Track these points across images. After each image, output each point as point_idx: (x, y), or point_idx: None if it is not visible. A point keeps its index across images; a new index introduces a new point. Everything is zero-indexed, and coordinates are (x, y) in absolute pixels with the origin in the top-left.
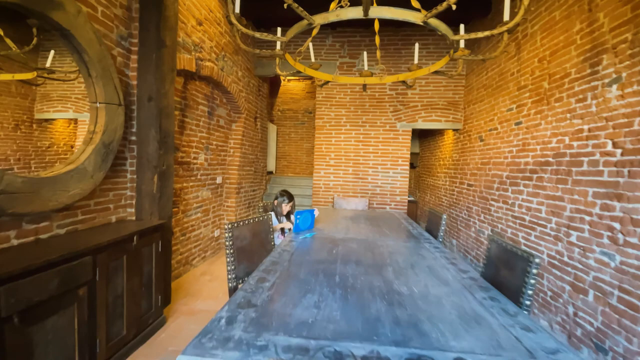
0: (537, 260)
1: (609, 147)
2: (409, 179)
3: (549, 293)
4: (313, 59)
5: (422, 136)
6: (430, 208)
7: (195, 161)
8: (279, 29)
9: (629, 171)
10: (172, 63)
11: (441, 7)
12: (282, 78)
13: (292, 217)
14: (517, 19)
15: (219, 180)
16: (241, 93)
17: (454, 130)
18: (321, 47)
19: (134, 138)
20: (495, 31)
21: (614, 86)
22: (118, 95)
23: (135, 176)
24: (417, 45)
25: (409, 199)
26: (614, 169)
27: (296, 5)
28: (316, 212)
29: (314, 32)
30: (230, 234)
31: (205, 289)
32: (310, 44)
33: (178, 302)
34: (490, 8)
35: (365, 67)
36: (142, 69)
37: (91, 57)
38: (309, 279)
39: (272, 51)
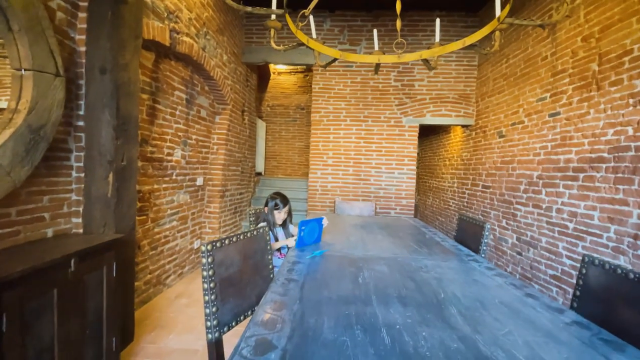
0: None
1: None
2: (415, 179)
3: None
4: (314, 35)
5: (422, 135)
6: (462, 214)
7: (169, 158)
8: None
9: None
10: (136, 27)
11: None
12: (272, 70)
13: (291, 226)
14: None
15: (199, 181)
16: (226, 80)
17: (463, 126)
18: (318, 31)
19: (81, 123)
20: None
21: None
22: (55, 61)
23: (82, 175)
24: (438, 21)
25: None
26: None
27: None
28: (325, 222)
29: (312, 5)
30: (209, 259)
31: (181, 318)
32: (312, 16)
33: (144, 339)
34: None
35: (376, 47)
36: (93, 31)
37: (10, 2)
38: (341, 339)
39: (268, 9)
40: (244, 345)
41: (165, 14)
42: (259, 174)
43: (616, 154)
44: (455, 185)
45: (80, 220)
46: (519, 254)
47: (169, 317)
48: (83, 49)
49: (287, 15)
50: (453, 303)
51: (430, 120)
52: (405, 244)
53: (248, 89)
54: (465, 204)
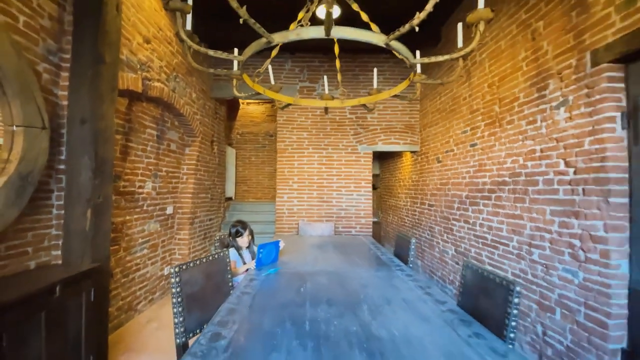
0: (517, 288)
1: (562, 167)
2: (372, 200)
3: None
4: (273, 82)
5: (381, 158)
6: (399, 232)
7: (140, 190)
8: (235, 50)
9: (583, 189)
10: (112, 82)
11: (404, 29)
12: (240, 101)
13: (254, 247)
14: (474, 44)
15: (169, 210)
16: (195, 115)
17: (412, 152)
18: (280, 71)
19: (62, 167)
20: (454, 55)
21: (562, 109)
22: (42, 116)
23: (62, 212)
24: (375, 70)
25: (373, 220)
26: (569, 187)
27: (253, 21)
28: (281, 244)
29: (273, 53)
30: (177, 279)
31: (151, 341)
32: (270, 66)
33: None
34: (440, 38)
35: (326, 91)
36: (75, 87)
37: (5, 71)
38: (274, 330)
39: (228, 71)
40: (201, 338)
41: (138, 66)
42: (230, 198)
43: (514, 178)
44: (409, 203)
45: (59, 252)
46: (457, 263)
47: (140, 341)
48: (65, 102)
49: (245, 75)
50: (367, 302)
51: (381, 147)
52: (350, 259)
53: (217, 120)
54: (416, 220)
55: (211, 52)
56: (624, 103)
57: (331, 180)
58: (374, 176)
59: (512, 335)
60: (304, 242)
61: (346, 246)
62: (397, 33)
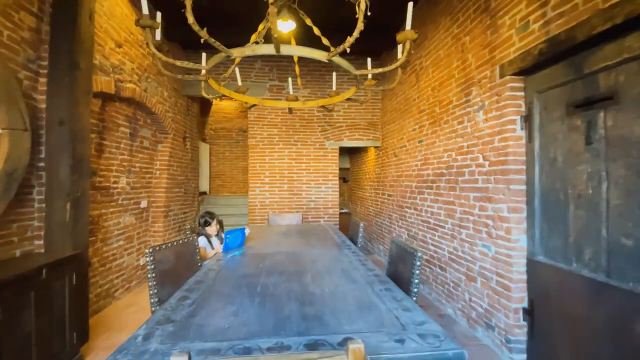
0: (419, 254)
1: (481, 160)
2: (343, 192)
3: (452, 284)
4: (240, 83)
5: (351, 153)
6: (353, 218)
7: (115, 185)
8: (203, 55)
9: (494, 178)
10: (87, 86)
11: (339, 49)
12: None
13: (223, 235)
14: (403, 59)
15: (143, 204)
16: (167, 113)
17: (375, 147)
18: (250, 70)
19: (42, 164)
20: (387, 68)
21: (480, 112)
22: (24, 120)
23: (44, 205)
24: (334, 75)
25: (343, 211)
26: (485, 177)
27: (213, 40)
28: (247, 231)
29: (237, 60)
30: (151, 258)
31: (130, 322)
32: (237, 68)
33: (99, 338)
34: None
35: (291, 92)
36: (53, 92)
37: None
38: (232, 292)
39: (195, 76)
40: (172, 299)
41: (111, 69)
42: (204, 193)
43: (449, 170)
44: (373, 194)
45: (41, 242)
46: None
47: (120, 322)
48: (43, 106)
49: (210, 80)
50: (311, 271)
51: (347, 143)
52: (309, 242)
53: (189, 117)
54: (379, 209)
55: (178, 63)
56: (523, 108)
57: (301, 174)
58: (346, 170)
59: (415, 290)
60: (271, 231)
61: (309, 232)
62: (334, 52)
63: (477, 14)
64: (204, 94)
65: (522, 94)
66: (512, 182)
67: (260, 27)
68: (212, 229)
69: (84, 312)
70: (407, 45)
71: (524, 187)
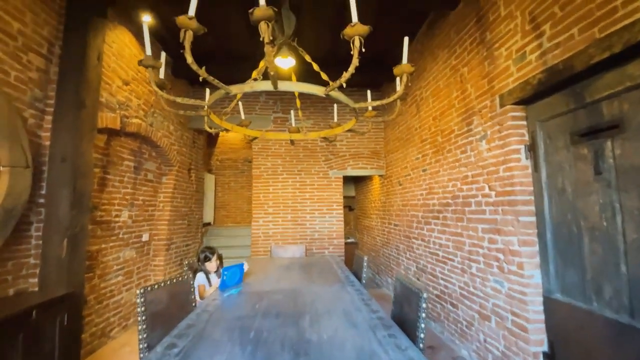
0: (424, 295)
1: (487, 190)
2: (349, 221)
3: (464, 322)
4: (243, 116)
5: (356, 181)
6: (357, 252)
7: (117, 219)
8: (207, 90)
9: (501, 209)
10: (92, 123)
11: (336, 84)
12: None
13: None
14: (400, 91)
15: (145, 237)
16: (173, 146)
17: (379, 175)
18: (255, 103)
19: (42, 200)
20: (385, 101)
21: (483, 141)
22: (26, 156)
23: (40, 242)
24: (335, 106)
25: (349, 240)
26: (492, 207)
27: (212, 78)
28: (246, 266)
29: (238, 96)
30: (142, 300)
31: None
32: (240, 102)
33: None
34: None
35: (293, 124)
36: (57, 130)
37: None
38: (222, 338)
39: (197, 112)
40: (158, 347)
41: (117, 106)
42: (208, 224)
43: (454, 200)
44: (379, 224)
45: (36, 280)
46: (418, 279)
47: None
48: (47, 143)
49: (212, 115)
50: (310, 313)
51: (351, 172)
52: (310, 278)
53: (195, 149)
54: (386, 239)
55: (179, 100)
56: (526, 137)
57: (305, 204)
58: (351, 198)
59: (421, 335)
60: (273, 264)
61: (312, 266)
62: (331, 87)
63: (473, 46)
64: (207, 128)
65: (524, 123)
66: (520, 213)
67: (261, 64)
68: (211, 265)
69: (76, 355)
70: (404, 79)
71: (533, 219)
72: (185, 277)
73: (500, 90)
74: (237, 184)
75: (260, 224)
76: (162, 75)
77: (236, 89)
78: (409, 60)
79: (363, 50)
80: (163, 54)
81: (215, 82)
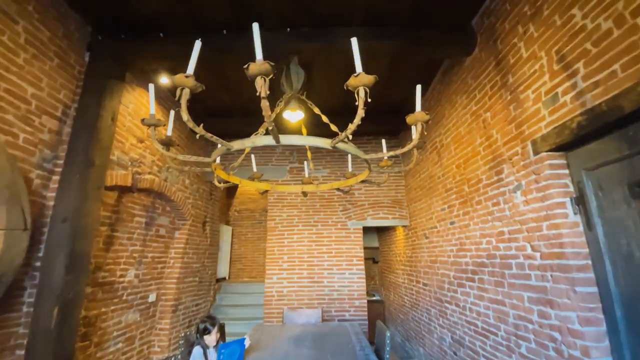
0: None
1: (529, 251)
2: (374, 275)
3: None
4: (255, 169)
5: (379, 230)
6: (379, 324)
7: (121, 280)
8: (219, 145)
9: (551, 276)
10: (99, 181)
11: (341, 137)
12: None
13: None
14: (415, 141)
15: (151, 298)
16: (187, 200)
17: (403, 226)
18: (272, 154)
19: (38, 264)
20: (399, 151)
21: (518, 192)
22: (25, 219)
23: (32, 309)
24: (349, 156)
25: (374, 298)
26: (539, 272)
27: (210, 135)
28: (247, 342)
29: (246, 150)
30: None
31: None
32: (252, 155)
33: None
34: None
35: (307, 175)
36: (63, 189)
37: None
38: None
39: (202, 169)
40: None
41: (129, 163)
42: (222, 279)
43: (490, 260)
44: (406, 281)
45: (22, 352)
46: (455, 353)
47: None
48: (52, 203)
49: (218, 170)
50: None
51: (371, 222)
52: (323, 353)
53: (212, 201)
54: (414, 300)
55: (180, 157)
56: (571, 188)
57: (322, 258)
58: (374, 249)
59: None
60: (283, 334)
61: (326, 337)
62: (336, 140)
63: (494, 90)
64: (217, 183)
65: (566, 171)
66: (576, 282)
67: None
68: (211, 339)
69: None
70: (419, 127)
71: (595, 290)
72: (179, 357)
73: (532, 136)
74: (254, 235)
75: (274, 281)
76: (169, 132)
77: (238, 145)
78: (425, 108)
79: (369, 100)
80: (172, 113)
81: (214, 138)
